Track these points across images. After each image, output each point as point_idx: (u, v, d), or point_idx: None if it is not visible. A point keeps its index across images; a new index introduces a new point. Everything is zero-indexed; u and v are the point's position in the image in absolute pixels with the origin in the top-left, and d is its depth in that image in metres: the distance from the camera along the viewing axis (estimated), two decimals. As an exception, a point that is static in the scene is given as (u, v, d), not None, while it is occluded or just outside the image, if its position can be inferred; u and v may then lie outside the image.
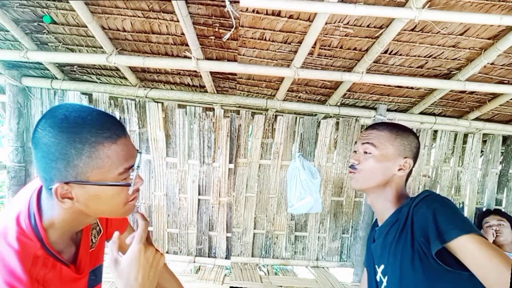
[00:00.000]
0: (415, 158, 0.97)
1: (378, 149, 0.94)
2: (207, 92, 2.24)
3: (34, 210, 0.64)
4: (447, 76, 1.96)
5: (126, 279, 0.61)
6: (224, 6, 1.46)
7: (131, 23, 1.73)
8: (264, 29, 1.66)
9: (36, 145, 0.59)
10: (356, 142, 1.03)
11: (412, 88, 2.10)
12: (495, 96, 2.13)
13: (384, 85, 2.05)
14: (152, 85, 2.26)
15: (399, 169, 0.94)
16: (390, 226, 0.92)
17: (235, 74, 2.07)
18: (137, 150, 0.69)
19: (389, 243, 0.91)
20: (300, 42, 1.71)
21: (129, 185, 0.64)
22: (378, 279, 0.96)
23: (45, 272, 0.62)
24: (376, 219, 1.09)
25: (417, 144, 0.98)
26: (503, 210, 2.52)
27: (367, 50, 1.76)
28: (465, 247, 0.72)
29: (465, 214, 2.53)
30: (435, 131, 2.45)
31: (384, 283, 0.92)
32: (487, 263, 0.68)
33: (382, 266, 0.94)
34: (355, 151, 1.01)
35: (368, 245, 1.08)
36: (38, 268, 0.60)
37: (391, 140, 0.94)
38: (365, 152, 0.95)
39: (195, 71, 2.00)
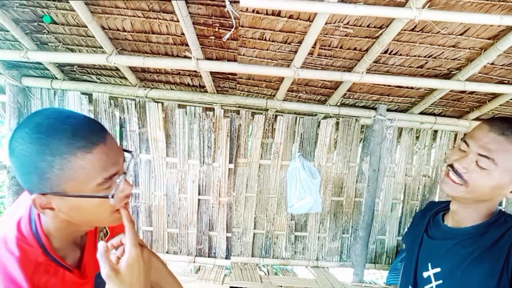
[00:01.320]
0: None
1: (499, 167, 0.72)
2: (207, 92, 2.24)
3: (35, 216, 0.63)
4: (447, 76, 1.96)
5: (130, 285, 0.60)
6: (224, 6, 1.46)
7: (131, 23, 1.73)
8: (264, 29, 1.66)
9: (11, 155, 0.56)
10: (465, 141, 0.79)
11: (412, 88, 2.10)
12: (495, 96, 2.13)
13: (384, 85, 2.05)
14: (152, 85, 2.26)
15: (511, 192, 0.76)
16: (471, 236, 0.81)
17: (235, 74, 2.07)
18: (128, 152, 0.65)
19: (461, 254, 0.80)
20: (300, 42, 1.71)
21: (106, 197, 0.59)
22: (425, 276, 0.87)
23: (47, 279, 0.61)
24: (433, 204, 0.98)
25: None
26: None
27: (367, 50, 1.76)
28: None
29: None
30: (435, 131, 2.45)
31: (433, 286, 0.85)
32: None
33: (437, 269, 0.85)
34: (462, 150, 0.79)
35: (417, 230, 0.95)
36: (40, 275, 0.59)
37: None
38: (479, 165, 0.74)
39: (195, 71, 2.00)
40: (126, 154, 0.67)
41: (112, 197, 0.60)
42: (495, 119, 0.78)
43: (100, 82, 2.25)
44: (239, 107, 2.34)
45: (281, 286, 2.14)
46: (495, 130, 0.74)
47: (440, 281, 0.82)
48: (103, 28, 1.76)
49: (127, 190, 0.63)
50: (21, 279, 0.56)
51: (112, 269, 0.59)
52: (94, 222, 0.68)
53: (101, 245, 0.62)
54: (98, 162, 0.57)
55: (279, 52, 1.82)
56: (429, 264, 0.87)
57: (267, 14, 1.56)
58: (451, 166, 0.80)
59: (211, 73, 2.04)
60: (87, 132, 0.57)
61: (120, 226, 0.85)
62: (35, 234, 0.62)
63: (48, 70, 2.12)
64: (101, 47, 1.87)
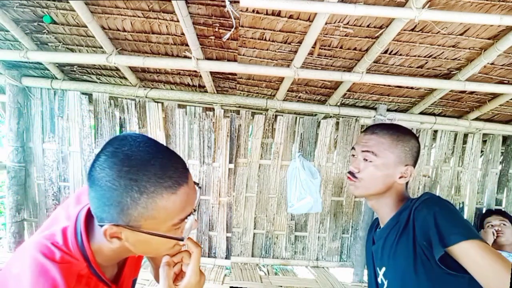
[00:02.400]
0: (415, 163, 0.95)
1: (379, 157, 0.90)
2: (207, 92, 2.24)
3: (81, 229, 0.62)
4: (447, 76, 1.96)
5: None
6: (224, 6, 1.46)
7: (131, 23, 1.73)
8: (264, 29, 1.66)
9: (91, 183, 0.55)
10: (353, 147, 0.98)
11: (412, 88, 2.10)
12: (495, 96, 2.13)
13: (384, 85, 2.05)
14: (152, 85, 2.26)
15: (400, 177, 0.92)
16: (390, 229, 0.92)
17: (235, 74, 2.07)
18: (197, 185, 0.64)
19: (389, 245, 0.90)
20: (300, 42, 1.71)
21: (182, 239, 0.60)
22: (379, 281, 0.96)
23: None
24: (375, 220, 1.09)
25: (418, 148, 0.95)
26: (503, 210, 2.52)
27: (367, 50, 1.76)
28: (466, 253, 0.72)
29: (465, 214, 2.53)
30: (435, 131, 2.45)
31: (385, 286, 0.92)
32: (489, 269, 0.69)
33: (383, 269, 0.94)
34: (353, 155, 0.98)
35: (368, 247, 1.07)
36: (81, 287, 0.60)
37: (392, 147, 0.91)
38: (365, 160, 0.92)
39: (195, 71, 2.00)
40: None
41: (183, 239, 0.60)
42: (368, 126, 1.01)
43: (100, 82, 2.25)
44: (239, 107, 2.34)
45: (281, 286, 2.14)
46: (368, 132, 0.96)
47: (387, 280, 0.92)
48: (103, 28, 1.76)
49: (194, 226, 0.62)
50: (62, 287, 0.55)
51: (170, 286, 0.61)
52: (153, 254, 0.69)
53: (165, 259, 0.62)
54: (179, 204, 0.57)
55: (279, 52, 1.82)
56: (378, 269, 0.97)
57: (267, 14, 1.56)
58: (348, 172, 0.97)
59: (211, 73, 2.04)
60: (175, 171, 0.56)
61: None
62: (80, 246, 0.61)
63: (48, 70, 2.13)
64: (101, 47, 1.87)
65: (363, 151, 0.93)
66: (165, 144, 2.22)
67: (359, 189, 0.94)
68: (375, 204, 0.97)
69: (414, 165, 0.94)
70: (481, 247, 0.72)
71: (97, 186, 0.54)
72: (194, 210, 0.61)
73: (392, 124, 0.98)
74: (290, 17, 1.56)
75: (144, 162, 0.53)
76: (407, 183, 0.98)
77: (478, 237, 0.74)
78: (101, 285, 0.65)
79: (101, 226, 0.56)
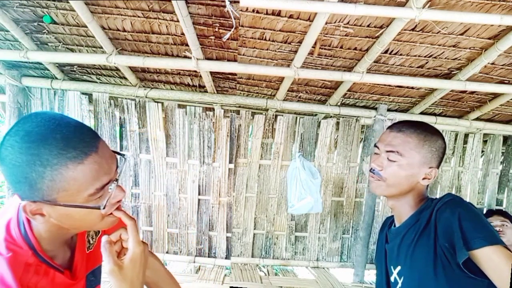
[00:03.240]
0: (440, 164, 0.91)
1: (404, 157, 0.87)
2: (207, 92, 2.24)
3: (23, 218, 0.62)
4: (448, 76, 1.96)
5: (131, 281, 0.60)
6: (224, 6, 1.45)
7: (131, 23, 1.73)
8: (264, 29, 1.66)
9: (1, 163, 0.55)
10: (376, 145, 0.94)
11: (412, 88, 2.10)
12: (495, 96, 2.13)
13: (385, 85, 2.05)
14: (152, 85, 2.26)
15: (424, 178, 0.89)
16: (409, 228, 0.90)
17: (235, 74, 2.07)
18: (120, 155, 0.64)
19: (407, 244, 0.89)
20: (300, 42, 1.71)
21: (98, 207, 0.58)
22: (392, 279, 0.95)
23: (37, 280, 0.60)
24: (388, 218, 1.07)
25: (444, 149, 0.92)
26: (504, 210, 2.51)
27: (367, 50, 1.76)
28: (489, 258, 0.72)
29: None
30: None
31: (399, 285, 0.91)
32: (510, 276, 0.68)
33: (398, 267, 0.92)
34: (376, 153, 0.94)
35: (381, 245, 1.05)
36: (30, 276, 0.59)
37: (419, 147, 0.87)
38: (389, 158, 0.88)
39: (195, 71, 2.00)
40: (119, 157, 0.65)
41: (104, 207, 0.59)
42: (394, 123, 0.95)
43: (100, 82, 2.25)
44: (239, 107, 2.34)
45: (281, 287, 2.13)
46: (394, 129, 0.91)
47: (403, 278, 0.90)
48: (103, 28, 1.76)
49: (119, 196, 0.62)
50: (10, 279, 0.55)
51: (116, 264, 0.60)
52: (86, 228, 0.68)
53: (105, 239, 0.62)
54: (90, 173, 0.56)
55: (279, 52, 1.82)
56: (392, 267, 0.95)
57: (267, 14, 1.56)
58: (371, 169, 0.93)
59: (211, 73, 2.04)
60: (79, 141, 0.55)
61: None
62: (24, 235, 0.61)
63: (48, 70, 2.12)
64: (101, 47, 1.87)
65: (387, 150, 0.89)
66: (166, 145, 2.25)
67: (381, 188, 0.91)
68: (395, 203, 0.95)
69: (438, 167, 0.91)
70: (504, 254, 0.71)
71: (4, 166, 0.54)
72: (116, 180, 0.61)
73: (419, 122, 0.93)
74: (290, 16, 1.56)
75: (45, 136, 0.53)
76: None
77: (501, 243, 0.73)
78: (52, 272, 0.64)
79: (21, 203, 0.56)
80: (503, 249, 0.72)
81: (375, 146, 0.95)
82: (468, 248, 0.73)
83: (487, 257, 0.72)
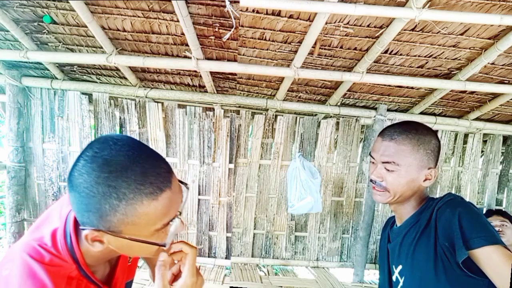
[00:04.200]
0: (437, 162, 0.92)
1: (401, 166, 0.87)
2: (207, 92, 2.24)
3: (71, 230, 0.61)
4: (448, 76, 1.96)
5: None
6: (224, 6, 1.45)
7: (131, 23, 1.73)
8: (264, 29, 1.66)
9: (70, 188, 0.53)
10: (371, 154, 0.94)
11: (412, 88, 2.10)
12: (495, 96, 2.13)
13: (385, 85, 2.05)
14: (152, 85, 2.26)
15: (425, 180, 0.89)
16: (409, 227, 0.91)
17: (235, 74, 2.07)
18: (185, 185, 0.61)
19: (408, 244, 0.89)
20: (300, 42, 1.71)
21: (164, 245, 0.58)
22: (394, 279, 0.95)
23: None
24: (389, 218, 1.08)
25: (439, 147, 0.91)
26: (504, 210, 2.51)
27: (367, 50, 1.76)
28: (489, 258, 0.72)
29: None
30: (436, 131, 2.45)
31: (401, 284, 0.91)
32: (510, 276, 0.69)
33: (400, 267, 0.93)
34: (372, 162, 0.94)
35: (383, 244, 1.06)
36: None
37: (414, 152, 0.87)
38: (387, 169, 0.88)
39: (195, 71, 2.00)
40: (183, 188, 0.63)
41: (165, 245, 0.58)
42: (384, 129, 0.93)
43: (100, 82, 2.25)
44: (239, 107, 2.34)
45: (281, 287, 2.13)
46: (386, 138, 0.90)
47: (404, 277, 0.91)
48: (103, 28, 1.76)
49: (180, 230, 0.60)
50: None
51: (165, 286, 0.59)
52: (140, 256, 0.68)
53: (163, 256, 0.60)
54: (161, 209, 0.55)
55: (279, 52, 1.82)
56: (393, 266, 0.96)
57: (267, 14, 1.56)
58: (371, 180, 0.93)
59: (211, 73, 2.04)
60: (156, 176, 0.54)
61: None
62: (69, 249, 0.60)
63: (48, 70, 2.12)
64: (101, 47, 1.87)
65: (383, 162, 0.89)
66: (166, 145, 2.25)
67: (387, 198, 0.91)
68: (397, 206, 0.95)
69: (436, 166, 0.91)
70: (504, 254, 0.71)
71: (75, 192, 0.52)
72: (180, 213, 0.59)
73: (410, 124, 0.91)
74: (290, 17, 1.56)
75: (124, 168, 0.51)
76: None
77: (501, 243, 0.73)
78: (92, 287, 0.64)
79: (83, 230, 0.55)
80: (503, 249, 0.72)
81: (370, 155, 0.95)
82: (467, 247, 0.74)
83: (487, 257, 0.72)
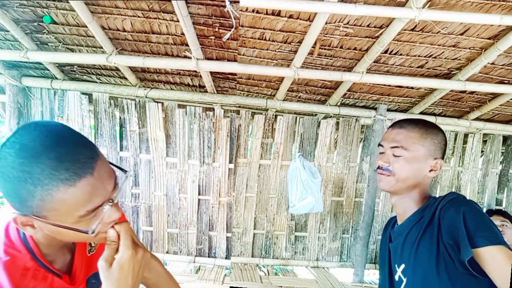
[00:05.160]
0: (443, 156, 0.94)
1: (409, 151, 0.90)
2: (207, 92, 2.24)
3: None
4: (447, 76, 1.96)
5: (117, 283, 0.59)
6: (224, 6, 1.45)
7: (131, 23, 1.73)
8: (264, 29, 1.66)
9: None
10: (380, 144, 0.97)
11: (412, 88, 2.10)
12: (495, 96, 2.13)
13: (384, 85, 2.05)
14: (152, 85, 2.26)
15: (430, 170, 0.91)
16: (412, 225, 0.91)
17: (235, 74, 2.07)
18: (123, 171, 0.61)
19: (411, 242, 0.90)
20: (300, 42, 1.71)
21: (86, 232, 0.56)
22: (397, 278, 0.95)
23: (35, 285, 0.60)
24: (390, 219, 1.08)
25: (446, 142, 0.95)
26: (504, 210, 2.51)
27: (367, 50, 1.76)
28: (492, 257, 0.73)
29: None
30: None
31: (404, 283, 0.91)
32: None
33: (402, 266, 0.92)
34: (381, 152, 0.97)
35: (384, 244, 1.06)
36: (27, 281, 0.58)
37: (422, 140, 0.90)
38: (394, 155, 0.91)
39: (195, 71, 2.00)
40: (119, 172, 0.63)
41: (93, 231, 0.57)
42: (395, 122, 0.99)
43: (100, 82, 2.25)
44: (239, 107, 2.34)
45: (281, 287, 2.14)
46: (396, 126, 0.96)
47: (407, 275, 0.91)
48: (103, 28, 1.76)
49: (114, 216, 0.60)
50: (6, 283, 0.54)
51: (106, 260, 0.59)
52: (77, 240, 0.67)
53: (111, 232, 0.61)
54: (81, 196, 0.53)
55: (279, 52, 1.82)
56: (396, 266, 0.96)
57: (267, 14, 1.56)
58: (378, 167, 0.96)
59: (211, 73, 2.04)
60: (74, 162, 0.52)
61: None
62: (23, 239, 0.60)
63: (48, 70, 2.12)
64: (101, 47, 1.87)
65: (392, 147, 0.92)
66: (166, 145, 2.25)
67: (390, 184, 0.92)
68: (399, 200, 0.96)
69: (442, 158, 0.94)
70: (507, 254, 0.72)
71: None
72: (111, 200, 0.58)
73: (419, 118, 0.97)
74: (290, 16, 1.56)
75: (40, 153, 0.50)
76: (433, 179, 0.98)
77: (504, 243, 0.74)
78: (51, 276, 0.63)
79: (13, 214, 0.55)
80: (505, 250, 0.73)
81: (379, 145, 0.98)
82: (472, 245, 0.74)
83: (490, 257, 0.73)
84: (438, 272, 0.81)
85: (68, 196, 0.52)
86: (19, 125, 2.13)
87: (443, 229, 0.81)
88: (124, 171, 0.62)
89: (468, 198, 0.92)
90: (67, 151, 0.53)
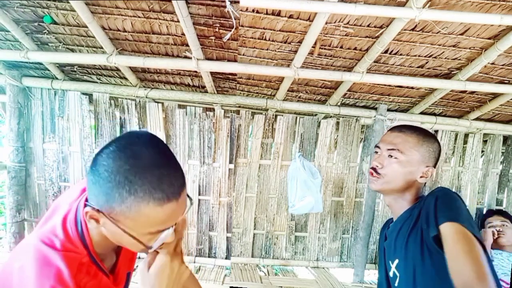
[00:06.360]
0: (436, 165, 0.98)
1: (404, 154, 0.93)
2: (207, 92, 2.24)
3: (81, 218, 0.63)
4: (448, 76, 1.96)
5: (149, 286, 0.61)
6: (224, 6, 1.46)
7: (131, 23, 1.73)
8: (264, 28, 1.66)
9: (92, 166, 0.56)
10: (377, 146, 1.00)
11: (412, 88, 2.10)
12: (495, 96, 2.13)
13: (385, 85, 2.05)
14: (152, 85, 2.26)
15: (421, 177, 0.94)
16: (403, 222, 0.95)
17: (235, 74, 2.07)
18: (190, 200, 0.64)
19: (402, 238, 0.93)
20: (300, 42, 1.71)
21: (150, 247, 0.60)
22: (391, 274, 0.98)
23: (88, 280, 0.62)
24: (389, 219, 1.11)
25: (440, 152, 0.98)
26: (504, 210, 2.51)
27: (367, 49, 1.76)
28: (445, 233, 0.76)
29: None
30: (436, 131, 2.45)
31: (398, 278, 0.93)
32: (457, 255, 0.71)
33: (396, 261, 0.95)
34: (376, 152, 1.00)
35: (381, 243, 1.09)
36: (82, 275, 0.61)
37: (418, 146, 0.94)
38: (390, 156, 0.95)
39: (195, 71, 2.00)
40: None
41: (151, 247, 0.60)
42: (394, 126, 1.03)
43: (101, 82, 2.25)
44: (239, 107, 2.34)
45: (281, 287, 2.13)
46: (395, 130, 0.99)
47: (400, 270, 0.93)
48: (103, 28, 1.76)
49: (170, 239, 0.63)
50: (67, 276, 0.56)
51: (146, 265, 0.62)
52: (124, 246, 0.69)
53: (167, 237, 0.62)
54: (162, 217, 0.57)
55: (279, 52, 1.82)
56: (390, 262, 0.99)
57: (267, 13, 1.56)
58: (371, 167, 0.99)
59: (211, 73, 2.04)
60: (170, 186, 0.56)
61: None
62: (80, 236, 0.62)
63: (48, 70, 2.13)
64: (102, 47, 1.87)
65: (389, 149, 0.95)
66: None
67: (379, 184, 0.96)
68: (392, 201, 1.00)
69: (435, 167, 0.97)
70: (459, 231, 0.74)
71: (95, 171, 0.55)
72: (175, 224, 0.62)
73: (417, 126, 1.01)
74: (290, 16, 1.56)
75: (146, 168, 0.54)
76: (425, 183, 1.01)
77: (462, 222, 0.75)
78: (100, 274, 0.66)
79: (86, 205, 0.58)
80: (459, 226, 0.75)
81: (376, 146, 1.01)
82: (437, 224, 0.78)
83: (443, 232, 0.76)
84: (423, 259, 0.84)
85: (152, 214, 0.56)
86: (20, 124, 2.14)
87: (421, 216, 0.86)
88: (191, 200, 0.65)
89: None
90: (168, 173, 0.56)
